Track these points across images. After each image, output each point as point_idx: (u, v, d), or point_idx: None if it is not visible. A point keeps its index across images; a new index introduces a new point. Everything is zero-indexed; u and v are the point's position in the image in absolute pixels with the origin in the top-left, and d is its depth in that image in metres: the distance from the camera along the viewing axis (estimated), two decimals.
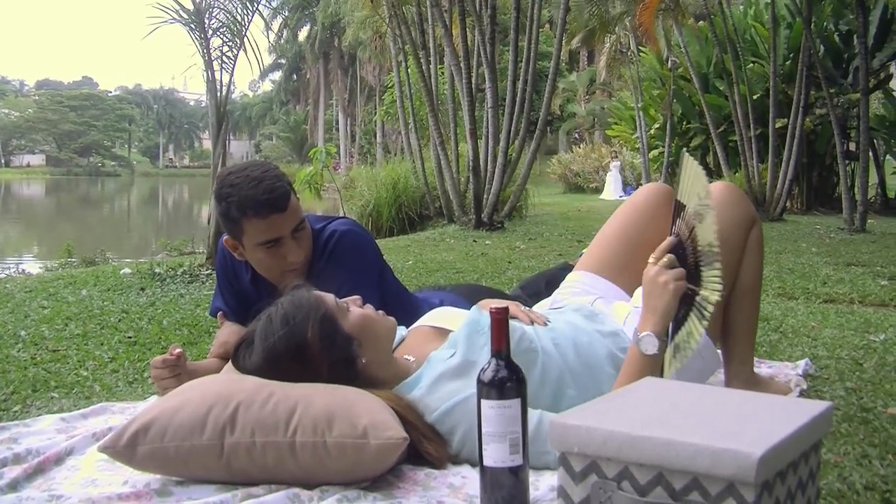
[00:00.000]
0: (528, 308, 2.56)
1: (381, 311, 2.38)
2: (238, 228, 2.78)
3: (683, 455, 1.37)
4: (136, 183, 72.89)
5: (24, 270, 9.41)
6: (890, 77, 14.55)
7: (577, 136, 40.35)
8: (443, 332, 2.48)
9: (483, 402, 1.89)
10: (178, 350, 2.66)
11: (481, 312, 2.34)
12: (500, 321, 1.93)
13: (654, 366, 2.20)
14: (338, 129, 59.96)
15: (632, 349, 2.23)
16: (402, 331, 2.61)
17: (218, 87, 6.58)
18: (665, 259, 2.22)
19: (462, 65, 11.03)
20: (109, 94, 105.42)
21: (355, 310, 2.32)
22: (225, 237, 2.89)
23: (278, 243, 2.77)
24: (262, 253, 2.79)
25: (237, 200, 2.73)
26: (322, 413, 2.02)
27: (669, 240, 2.26)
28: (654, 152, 18.66)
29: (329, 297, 2.30)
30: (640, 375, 2.13)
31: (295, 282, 2.63)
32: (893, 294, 5.08)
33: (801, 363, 3.22)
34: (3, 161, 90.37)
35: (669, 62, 16.46)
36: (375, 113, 35.56)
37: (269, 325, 2.23)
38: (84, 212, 35.44)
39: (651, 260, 2.25)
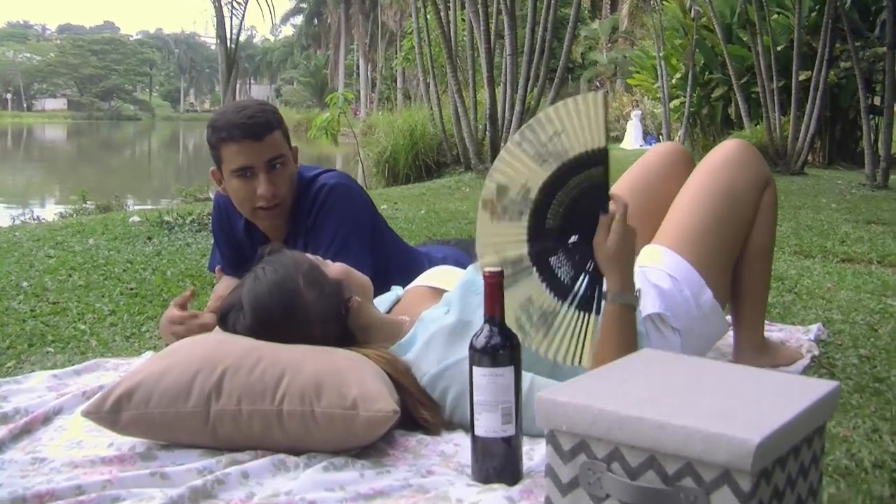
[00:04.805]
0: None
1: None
2: (218, 155, 2.77)
3: (676, 438, 1.30)
4: (157, 127, 72.84)
5: (38, 217, 9.37)
6: None
7: (598, 84, 39.94)
8: (438, 292, 2.42)
9: (475, 369, 1.82)
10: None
11: (478, 272, 2.26)
12: (494, 285, 1.85)
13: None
14: (358, 75, 59.61)
15: (620, 311, 2.09)
16: (398, 290, 2.54)
17: (229, 32, 6.49)
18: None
19: (481, 11, 10.85)
20: (131, 39, 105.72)
21: (333, 263, 2.32)
22: (212, 168, 2.87)
23: (251, 173, 2.73)
24: (235, 181, 2.76)
25: (219, 126, 2.73)
26: (311, 381, 1.95)
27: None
28: (675, 102, 18.37)
29: (307, 255, 2.28)
30: (626, 329, 2.08)
31: (265, 222, 2.81)
32: None
33: (814, 328, 3.13)
34: (25, 105, 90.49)
35: (693, 11, 16.15)
36: (396, 59, 35.29)
37: (256, 281, 2.18)
38: (104, 156, 35.46)
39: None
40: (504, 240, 2.01)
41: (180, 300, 2.62)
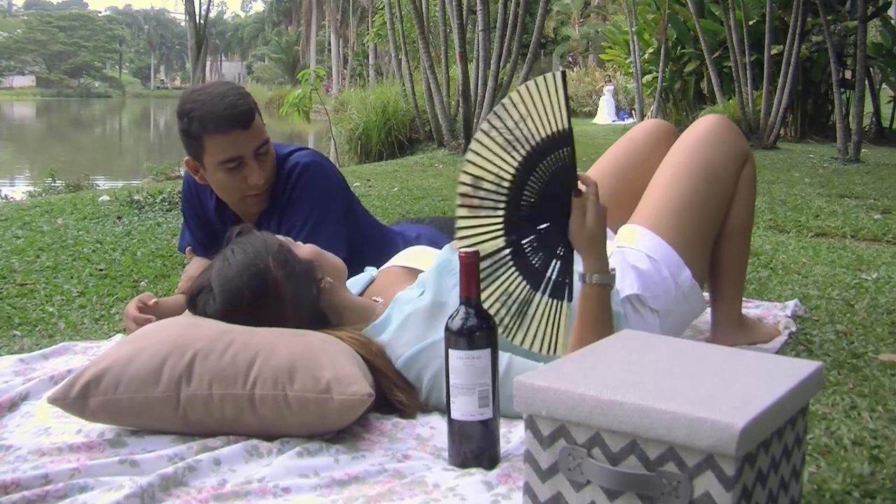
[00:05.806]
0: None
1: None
2: (199, 146, 2.67)
3: (659, 423, 1.26)
4: (128, 104, 72.02)
5: (6, 196, 9.24)
6: (888, 4, 14.24)
7: (570, 59, 39.88)
8: (413, 273, 2.37)
9: (451, 352, 1.79)
10: (153, 301, 2.57)
11: (453, 252, 2.22)
12: (470, 266, 1.81)
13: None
14: (330, 51, 59.22)
15: (594, 293, 2.06)
16: (372, 271, 2.50)
17: (198, 8, 6.39)
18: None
19: None
20: (99, 15, 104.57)
21: (304, 244, 2.27)
22: (186, 158, 2.78)
23: (240, 163, 2.67)
24: (222, 173, 2.69)
25: (199, 116, 2.63)
26: (283, 365, 1.91)
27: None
28: (648, 77, 18.33)
29: (277, 236, 2.23)
30: (605, 310, 2.05)
31: (254, 208, 2.72)
32: (886, 229, 4.97)
33: (791, 304, 3.11)
34: None
35: None
36: (367, 35, 35.08)
37: (225, 263, 2.12)
38: (74, 133, 35.07)
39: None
40: (482, 232, 1.98)
41: (143, 301, 2.57)
